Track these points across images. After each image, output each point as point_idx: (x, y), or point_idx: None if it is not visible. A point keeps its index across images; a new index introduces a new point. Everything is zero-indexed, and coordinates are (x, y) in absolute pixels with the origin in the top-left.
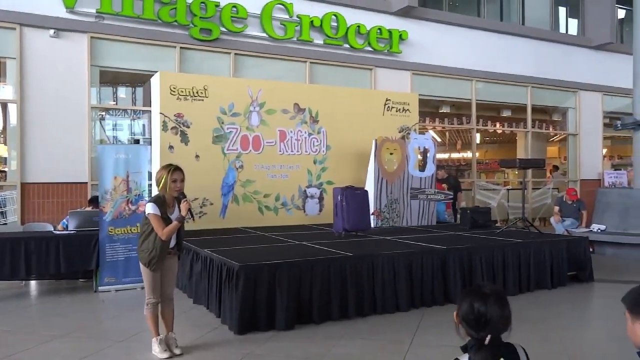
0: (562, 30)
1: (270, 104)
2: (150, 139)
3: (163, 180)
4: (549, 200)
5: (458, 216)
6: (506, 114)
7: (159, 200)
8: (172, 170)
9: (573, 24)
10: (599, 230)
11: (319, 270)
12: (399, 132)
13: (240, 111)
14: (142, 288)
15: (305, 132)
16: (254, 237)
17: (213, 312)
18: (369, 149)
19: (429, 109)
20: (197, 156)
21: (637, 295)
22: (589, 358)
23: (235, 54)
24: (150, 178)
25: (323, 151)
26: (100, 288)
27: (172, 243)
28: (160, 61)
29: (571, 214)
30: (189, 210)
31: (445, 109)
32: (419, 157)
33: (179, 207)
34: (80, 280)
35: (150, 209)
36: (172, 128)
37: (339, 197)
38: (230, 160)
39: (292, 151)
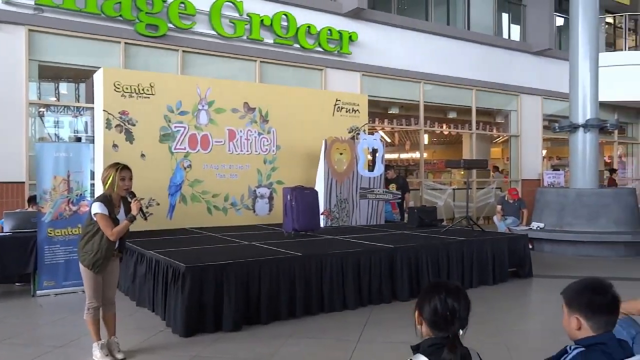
0: (505, 35)
1: (220, 102)
2: (93, 137)
3: (111, 179)
4: (493, 199)
5: (406, 215)
6: (452, 115)
7: (106, 200)
8: (121, 168)
9: (515, 30)
10: (538, 228)
11: (267, 271)
12: (349, 132)
13: (188, 109)
14: (83, 292)
15: (255, 132)
16: (201, 237)
17: (158, 315)
18: (319, 149)
19: (378, 110)
20: (142, 155)
21: (574, 291)
22: (526, 349)
23: (184, 51)
24: (92, 177)
25: (273, 151)
26: (38, 292)
27: (115, 244)
28: (104, 56)
29: (512, 213)
30: (140, 209)
31: (394, 110)
32: (369, 157)
33: (124, 206)
34: (17, 284)
35: (97, 208)
36: (116, 126)
37: (289, 197)
38: (177, 160)
39: (241, 151)
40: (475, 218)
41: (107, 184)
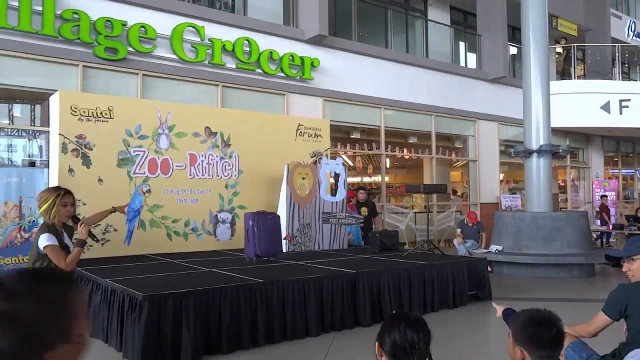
0: (462, 63)
1: (181, 126)
2: (48, 161)
3: (47, 204)
4: (453, 222)
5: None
6: (413, 140)
7: (51, 229)
8: (63, 194)
9: (471, 58)
10: (497, 251)
11: (227, 298)
12: (311, 157)
13: (148, 133)
14: None
15: (217, 156)
16: (161, 264)
17: (113, 346)
18: (281, 174)
19: (340, 135)
20: (100, 180)
21: (521, 322)
22: None
23: (144, 74)
24: None
25: (235, 175)
26: None
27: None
28: (61, 79)
29: (472, 236)
30: (89, 231)
31: (355, 135)
32: (331, 181)
33: (66, 232)
34: None
35: (46, 240)
36: (72, 150)
37: (250, 223)
38: (137, 185)
39: (203, 175)
40: (436, 241)
41: (44, 209)
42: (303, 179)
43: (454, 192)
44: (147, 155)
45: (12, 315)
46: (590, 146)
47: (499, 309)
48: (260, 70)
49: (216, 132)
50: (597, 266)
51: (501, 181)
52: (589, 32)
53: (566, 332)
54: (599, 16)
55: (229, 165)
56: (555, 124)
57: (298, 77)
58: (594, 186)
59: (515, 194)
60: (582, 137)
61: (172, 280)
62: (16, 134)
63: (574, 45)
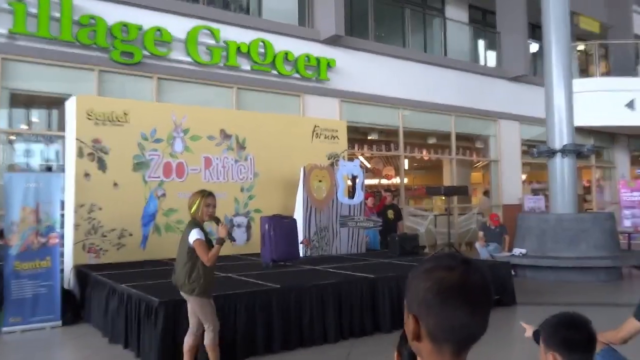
0: (482, 62)
1: (195, 130)
2: (64, 165)
3: (196, 205)
4: (474, 225)
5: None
6: (432, 141)
7: (200, 226)
8: (207, 195)
9: (491, 56)
10: (520, 254)
11: (243, 304)
12: (328, 159)
13: (163, 137)
14: (53, 327)
15: (232, 159)
16: None
17: (132, 351)
18: (298, 177)
19: (358, 136)
20: (115, 184)
21: (550, 326)
22: None
23: (159, 78)
24: (62, 208)
25: (250, 178)
26: (3, 329)
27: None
28: (77, 83)
29: (494, 239)
30: (228, 232)
31: (373, 136)
32: (349, 183)
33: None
34: None
35: (197, 234)
36: (88, 154)
37: (266, 227)
38: (151, 189)
39: (217, 179)
40: (457, 245)
41: (193, 209)
42: (320, 181)
43: (486, 192)
44: (162, 159)
45: None
46: (616, 145)
47: (529, 329)
48: (275, 72)
49: (231, 135)
50: (625, 269)
51: (523, 182)
52: (611, 29)
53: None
54: (621, 13)
55: (244, 168)
56: (578, 122)
57: (314, 78)
58: (619, 186)
59: (538, 194)
60: (607, 136)
61: None
62: (34, 139)
63: (596, 43)
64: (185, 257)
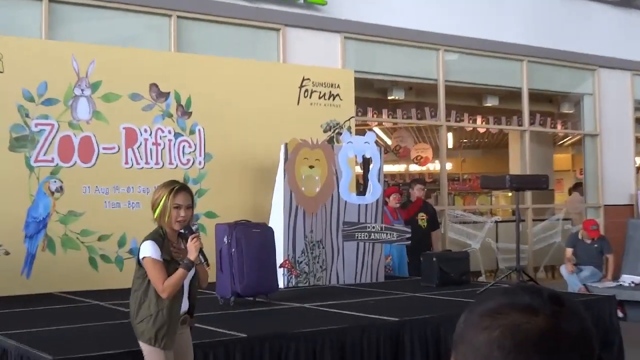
0: None
1: (110, 84)
2: None
3: (161, 206)
4: (559, 238)
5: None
6: (492, 103)
7: (158, 237)
8: (176, 190)
9: None
10: (632, 284)
11: None
12: (324, 131)
13: (58, 96)
14: None
15: (170, 132)
16: (80, 309)
17: None
18: (276, 160)
19: (372, 95)
20: None
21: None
22: None
23: (51, 0)
24: None
25: (199, 163)
26: None
27: (184, 306)
28: None
29: (591, 260)
30: (200, 250)
31: (397, 95)
32: (358, 170)
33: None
34: None
35: (149, 249)
36: None
37: (226, 240)
38: (40, 180)
39: (147, 163)
40: (531, 269)
41: (157, 213)
42: (311, 167)
43: (577, 186)
44: (56, 131)
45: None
46: None
47: None
48: None
49: (168, 93)
50: None
51: (638, 169)
52: None
53: None
54: None
55: (190, 147)
56: None
57: (302, 1)
58: None
59: None
60: None
61: (95, 335)
62: None
63: None
64: (135, 282)
